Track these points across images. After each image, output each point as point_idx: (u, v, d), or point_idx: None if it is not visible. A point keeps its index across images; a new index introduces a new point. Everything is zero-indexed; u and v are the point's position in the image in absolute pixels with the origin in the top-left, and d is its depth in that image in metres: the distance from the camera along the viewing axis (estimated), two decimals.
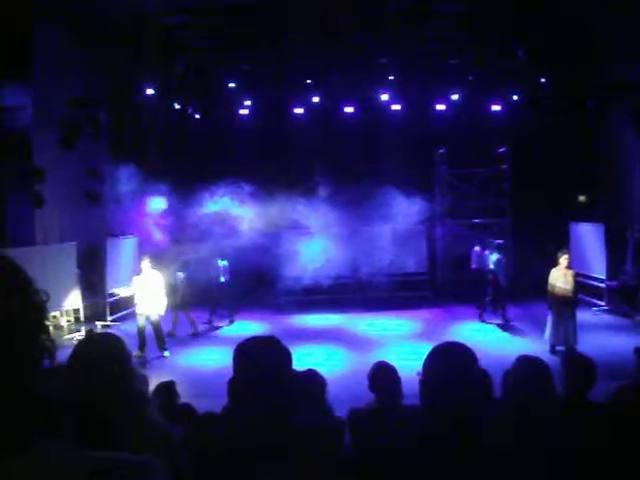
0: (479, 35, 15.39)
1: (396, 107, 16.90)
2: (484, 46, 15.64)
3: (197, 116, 17.92)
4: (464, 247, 17.46)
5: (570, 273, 11.27)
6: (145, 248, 14.95)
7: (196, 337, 13.84)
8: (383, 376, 4.52)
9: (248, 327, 14.46)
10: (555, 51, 15.52)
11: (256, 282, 16.92)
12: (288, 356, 2.33)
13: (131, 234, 16.15)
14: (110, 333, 2.88)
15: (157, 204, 16.21)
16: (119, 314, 15.23)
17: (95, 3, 13.11)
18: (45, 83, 13.18)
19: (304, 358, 10.45)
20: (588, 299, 15.36)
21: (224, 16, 14.59)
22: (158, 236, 15.91)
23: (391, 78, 16.49)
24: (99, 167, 15.26)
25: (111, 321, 14.93)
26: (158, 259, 13.54)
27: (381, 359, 4.95)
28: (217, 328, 14.76)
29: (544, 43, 15.33)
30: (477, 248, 15.90)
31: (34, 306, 1.13)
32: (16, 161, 12.21)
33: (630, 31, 13.97)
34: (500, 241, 15.25)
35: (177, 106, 16.85)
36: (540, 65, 15.57)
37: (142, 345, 11.90)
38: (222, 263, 14.98)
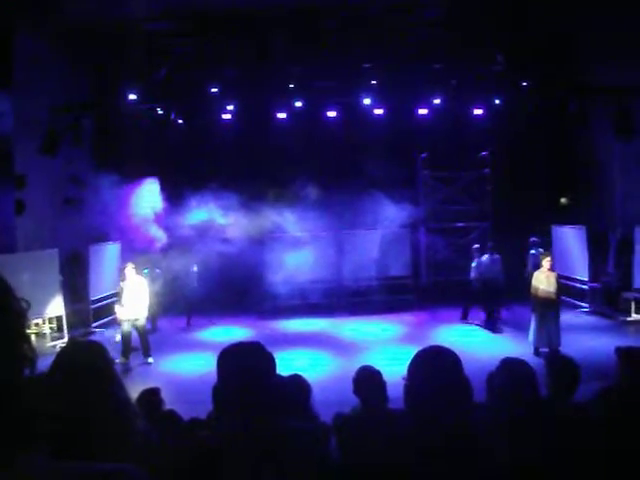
0: (460, 40, 15.48)
1: (379, 111, 16.92)
2: (465, 51, 15.72)
3: (180, 121, 17.86)
4: (447, 250, 17.55)
5: (553, 275, 11.35)
6: (129, 254, 14.83)
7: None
8: (368, 380, 4.52)
9: (232, 333, 14.40)
10: (535, 55, 15.64)
11: (240, 288, 16.87)
12: (272, 361, 2.33)
13: (114, 240, 16.03)
14: (93, 340, 2.85)
15: (149, 198, 16.07)
16: (103, 320, 15.13)
17: (77, 8, 13.05)
18: (26, 89, 13.08)
19: (289, 363, 10.43)
20: (571, 301, 15.49)
21: (207, 21, 14.57)
22: (150, 234, 15.70)
23: (373, 82, 16.51)
24: (81, 173, 15.15)
25: (95, 328, 14.84)
26: (143, 264, 13.49)
27: (366, 363, 4.94)
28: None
29: (524, 47, 15.45)
30: (477, 258, 14.57)
31: (14, 314, 1.12)
32: None
33: (610, 34, 14.13)
34: (490, 244, 14.66)
35: (160, 111, 16.79)
36: (521, 69, 15.67)
37: (127, 351, 11.82)
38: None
